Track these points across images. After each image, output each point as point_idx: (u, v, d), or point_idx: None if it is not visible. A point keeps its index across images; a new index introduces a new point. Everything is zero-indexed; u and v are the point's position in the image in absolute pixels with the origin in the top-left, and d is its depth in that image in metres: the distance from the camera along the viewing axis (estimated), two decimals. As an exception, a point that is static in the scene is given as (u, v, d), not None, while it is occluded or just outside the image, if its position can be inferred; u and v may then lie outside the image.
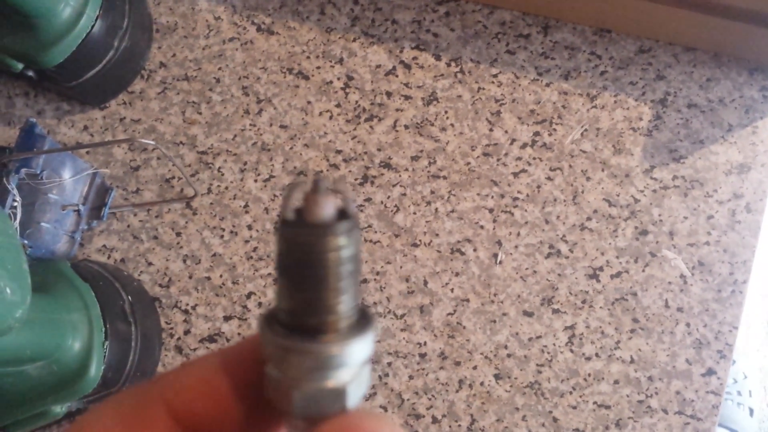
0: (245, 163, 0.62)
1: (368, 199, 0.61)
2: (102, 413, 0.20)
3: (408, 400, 0.58)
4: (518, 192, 0.60)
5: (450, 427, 0.57)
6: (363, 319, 0.18)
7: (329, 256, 0.17)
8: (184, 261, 0.61)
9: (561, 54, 0.62)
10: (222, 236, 0.61)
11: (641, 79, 0.61)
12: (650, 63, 0.61)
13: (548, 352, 0.58)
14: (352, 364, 0.18)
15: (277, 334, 0.17)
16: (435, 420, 0.57)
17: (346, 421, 0.18)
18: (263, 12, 0.65)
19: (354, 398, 0.18)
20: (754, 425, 1.20)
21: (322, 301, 0.17)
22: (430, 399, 0.58)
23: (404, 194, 0.61)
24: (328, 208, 0.17)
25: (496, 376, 0.58)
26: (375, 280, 0.60)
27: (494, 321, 0.58)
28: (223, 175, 0.62)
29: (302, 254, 0.17)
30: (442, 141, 0.62)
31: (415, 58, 0.63)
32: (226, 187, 0.62)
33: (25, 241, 0.55)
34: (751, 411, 1.21)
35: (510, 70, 0.62)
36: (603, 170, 0.60)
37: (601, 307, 0.58)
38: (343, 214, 0.17)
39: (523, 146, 0.61)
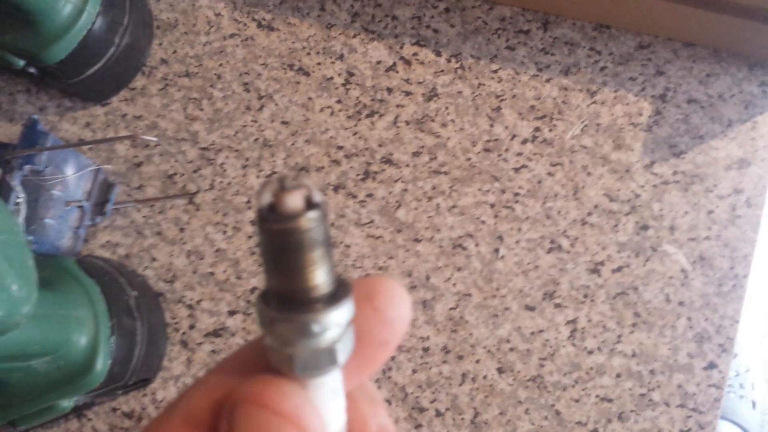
0: (247, 159, 0.63)
1: (370, 195, 0.61)
2: None
3: (411, 393, 0.58)
4: (519, 187, 0.60)
5: (453, 420, 0.57)
6: (341, 288, 0.21)
7: (299, 240, 0.20)
8: (188, 256, 0.61)
9: (561, 50, 0.63)
10: (225, 232, 0.62)
11: (641, 74, 0.62)
12: (650, 59, 0.62)
13: (550, 346, 0.58)
14: (336, 326, 0.20)
15: (269, 307, 0.20)
16: (438, 413, 0.58)
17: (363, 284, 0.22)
18: (264, 8, 0.65)
19: (343, 354, 0.21)
20: (756, 417, 1.21)
21: (301, 277, 0.20)
22: (433, 393, 0.58)
23: (406, 190, 0.61)
24: (295, 200, 0.20)
25: (499, 370, 0.58)
26: (377, 275, 0.60)
27: (496, 315, 0.59)
28: (225, 171, 0.63)
29: (279, 241, 0.20)
30: (443, 137, 0.62)
31: (415, 54, 0.64)
32: (229, 183, 0.62)
33: (30, 238, 0.55)
34: (754, 403, 1.22)
35: (510, 65, 0.63)
36: (603, 165, 0.60)
37: (602, 302, 0.58)
38: (310, 203, 0.20)
39: (524, 142, 0.61)
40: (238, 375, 0.22)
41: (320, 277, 0.20)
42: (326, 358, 0.21)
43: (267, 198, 0.20)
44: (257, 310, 0.21)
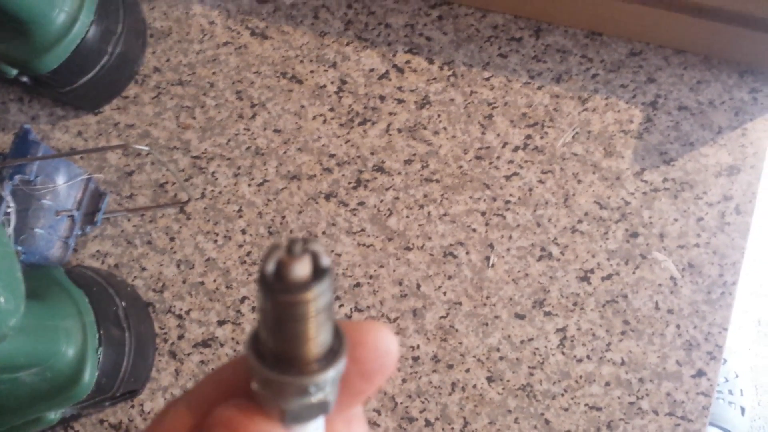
0: (239, 168, 0.63)
1: (361, 203, 0.61)
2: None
3: (401, 403, 0.58)
4: (510, 195, 0.61)
5: (443, 429, 0.58)
6: (336, 341, 0.21)
7: (305, 311, 0.19)
8: (178, 266, 0.62)
9: (553, 57, 0.63)
10: (216, 241, 0.62)
11: (632, 81, 0.62)
12: (641, 66, 0.62)
13: (540, 355, 0.58)
14: (330, 383, 0.20)
15: (263, 365, 0.20)
16: (428, 423, 0.58)
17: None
18: (257, 17, 0.66)
19: (333, 405, 0.21)
20: (745, 424, 1.21)
21: (303, 345, 0.20)
22: (423, 402, 0.58)
23: (397, 198, 0.61)
24: (302, 269, 0.19)
25: (489, 379, 0.58)
26: (368, 283, 0.60)
27: (486, 324, 0.59)
28: (216, 179, 0.63)
29: (284, 311, 0.19)
30: (435, 144, 0.62)
31: (408, 61, 0.64)
32: (220, 192, 0.62)
33: (19, 248, 0.55)
34: (743, 410, 1.21)
35: (502, 73, 0.63)
36: (594, 173, 0.60)
37: (592, 310, 0.58)
38: (317, 269, 0.19)
39: (515, 149, 0.61)
40: (217, 397, 0.23)
41: (321, 343, 0.20)
42: (317, 411, 0.21)
43: (273, 265, 0.19)
44: (250, 362, 0.20)
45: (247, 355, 0.20)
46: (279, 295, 0.19)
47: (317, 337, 0.20)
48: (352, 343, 0.21)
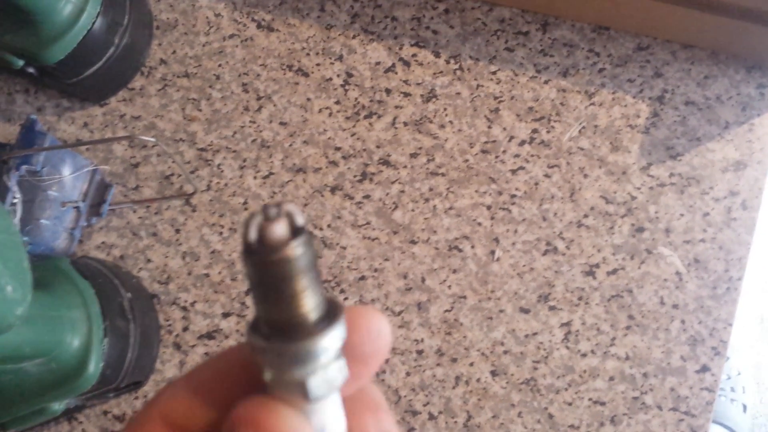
0: (245, 160, 0.63)
1: (367, 196, 0.61)
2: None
3: (405, 396, 0.58)
4: (516, 189, 0.60)
5: (446, 423, 0.58)
6: (331, 307, 0.21)
7: (291, 268, 0.20)
8: (183, 258, 0.62)
9: (560, 51, 0.63)
10: (221, 233, 0.62)
11: (639, 76, 0.61)
12: (648, 60, 0.62)
13: (544, 349, 0.58)
14: (334, 348, 0.21)
15: (267, 341, 0.20)
16: (431, 417, 0.58)
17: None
18: (263, 9, 0.65)
19: (342, 374, 0.21)
20: (747, 421, 1.21)
21: (294, 305, 0.20)
22: (426, 396, 0.58)
23: (403, 191, 0.61)
24: (279, 230, 0.20)
25: (493, 373, 0.58)
26: (373, 277, 0.60)
27: (491, 318, 0.59)
28: (222, 171, 0.63)
29: (269, 272, 0.20)
30: (441, 138, 0.62)
31: (414, 55, 0.64)
32: (226, 184, 0.63)
33: (25, 238, 0.55)
34: (745, 407, 1.21)
35: (509, 67, 0.63)
36: (600, 167, 0.60)
37: (597, 304, 0.58)
38: (295, 230, 0.20)
39: (522, 143, 0.61)
40: (218, 382, 0.23)
41: (313, 302, 0.20)
42: (327, 381, 0.21)
43: (254, 232, 0.20)
44: (250, 342, 0.21)
45: (250, 340, 0.21)
46: (264, 257, 0.20)
47: (310, 298, 0.20)
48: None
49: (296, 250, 0.20)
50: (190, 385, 0.23)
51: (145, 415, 0.23)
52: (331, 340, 0.20)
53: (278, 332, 0.20)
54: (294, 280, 0.20)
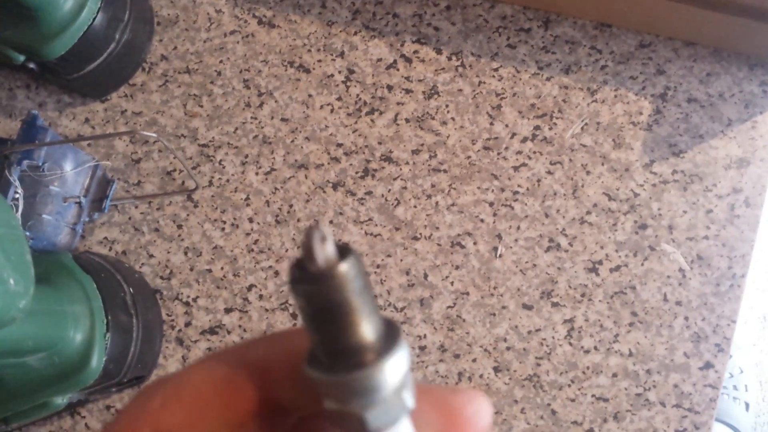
0: (246, 156, 0.63)
1: (369, 193, 0.61)
2: (196, 373, 0.21)
3: (408, 392, 0.58)
4: (518, 186, 0.60)
5: (449, 419, 0.57)
6: (389, 329, 0.20)
7: (348, 289, 0.19)
8: (185, 253, 0.61)
9: (562, 48, 0.63)
10: (223, 229, 0.62)
11: (641, 73, 0.61)
12: (650, 57, 0.62)
13: (547, 345, 0.58)
14: (399, 373, 0.19)
15: (323, 371, 0.19)
16: (434, 412, 0.58)
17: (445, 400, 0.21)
18: (264, 5, 0.65)
19: (411, 398, 0.20)
20: (749, 419, 1.21)
21: (349, 331, 0.19)
22: (429, 391, 0.58)
23: (405, 188, 0.61)
24: (330, 251, 0.18)
25: (495, 369, 0.58)
26: (375, 273, 0.60)
27: (494, 314, 0.59)
28: (224, 167, 0.63)
29: (320, 298, 0.19)
30: (443, 135, 0.62)
31: (416, 51, 0.64)
32: (227, 180, 0.62)
33: (27, 233, 0.55)
34: (747, 405, 1.21)
35: (511, 64, 0.63)
36: (603, 164, 0.60)
37: (600, 301, 0.58)
38: (342, 251, 0.19)
39: (524, 140, 0.61)
40: (262, 358, 0.21)
41: (371, 325, 0.19)
42: (388, 413, 0.19)
43: (309, 258, 0.18)
44: (310, 377, 0.20)
45: (308, 374, 0.20)
46: (310, 286, 0.18)
47: (367, 322, 0.19)
48: (442, 411, 0.20)
49: (351, 270, 0.18)
50: (230, 361, 0.21)
51: (133, 425, 0.21)
52: (391, 371, 0.19)
53: (336, 362, 0.19)
54: (350, 304, 0.19)
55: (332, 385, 0.19)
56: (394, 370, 0.19)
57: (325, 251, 0.18)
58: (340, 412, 0.20)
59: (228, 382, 0.21)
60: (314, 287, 0.18)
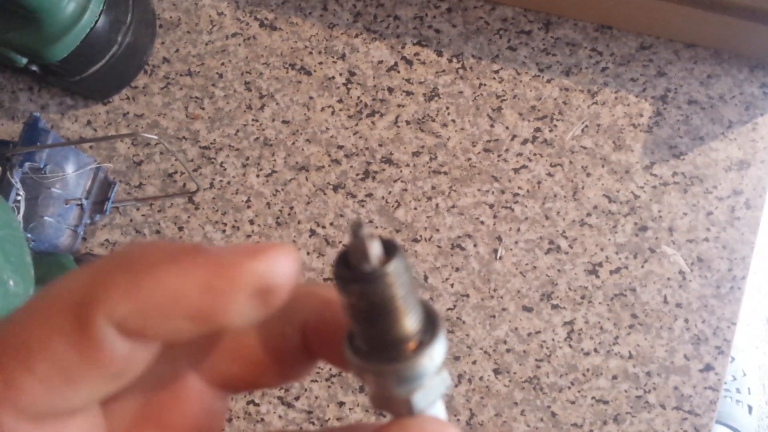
0: (247, 158, 0.63)
1: (369, 195, 0.61)
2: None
3: (408, 394, 0.58)
4: (519, 188, 0.60)
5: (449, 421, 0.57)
6: (430, 319, 0.20)
7: (391, 294, 0.19)
8: (186, 255, 0.62)
9: (562, 50, 0.63)
10: (224, 231, 0.62)
11: (642, 75, 0.61)
12: (651, 59, 0.62)
13: (547, 347, 0.58)
14: (436, 363, 0.20)
15: (368, 360, 0.20)
16: (434, 414, 0.58)
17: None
18: (266, 8, 0.66)
19: (448, 375, 0.21)
20: (753, 422, 1.21)
21: (394, 326, 0.19)
22: (429, 393, 0.58)
23: (405, 190, 0.61)
24: (377, 249, 0.19)
25: (495, 371, 0.58)
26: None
27: (494, 316, 0.59)
28: (225, 169, 0.63)
29: (367, 300, 0.19)
30: (444, 137, 0.62)
31: (416, 54, 0.64)
32: (228, 182, 0.63)
33: (29, 235, 0.55)
34: (750, 408, 1.21)
35: (511, 66, 0.63)
36: (603, 166, 0.60)
37: (600, 303, 0.58)
38: (388, 248, 0.19)
39: (524, 142, 0.61)
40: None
41: (414, 318, 0.20)
42: (431, 394, 0.20)
43: (360, 258, 0.18)
44: (349, 359, 0.20)
45: (349, 358, 0.20)
46: (358, 284, 0.19)
47: (411, 315, 0.19)
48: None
49: (400, 267, 0.19)
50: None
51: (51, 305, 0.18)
52: (433, 358, 0.20)
53: (378, 350, 0.20)
54: (397, 300, 0.19)
55: (378, 373, 0.20)
56: (436, 356, 0.20)
57: (376, 250, 0.19)
58: (383, 396, 0.20)
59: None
60: (366, 286, 0.19)
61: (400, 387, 0.20)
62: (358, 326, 0.20)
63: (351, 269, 0.19)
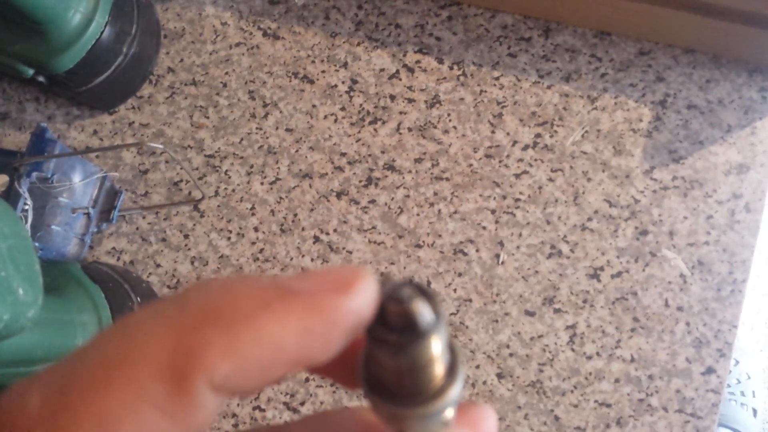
0: (252, 166, 0.64)
1: (372, 201, 0.62)
2: None
3: (412, 398, 0.59)
4: (520, 193, 0.61)
5: (453, 424, 0.58)
6: (453, 361, 0.20)
7: (438, 345, 0.18)
8: (192, 263, 0.62)
9: (562, 57, 0.63)
10: (229, 238, 0.62)
11: (641, 80, 0.62)
12: (650, 65, 0.62)
13: (550, 351, 0.58)
14: (455, 400, 0.20)
15: (399, 405, 0.19)
16: (438, 418, 0.58)
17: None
18: (269, 17, 0.66)
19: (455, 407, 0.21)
20: (757, 426, 1.21)
21: (427, 377, 0.19)
22: (433, 397, 0.58)
23: (408, 196, 0.62)
24: (422, 317, 0.18)
25: (499, 375, 0.58)
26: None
27: (496, 321, 0.59)
28: (230, 177, 0.63)
29: (418, 356, 0.18)
30: (445, 143, 0.62)
31: (418, 61, 0.64)
32: (233, 190, 0.63)
33: (36, 244, 0.56)
34: (755, 411, 1.21)
35: (511, 72, 0.63)
36: (603, 171, 0.61)
37: (601, 307, 0.59)
38: (428, 303, 0.19)
39: (525, 148, 0.62)
40: None
41: (446, 361, 0.19)
42: (445, 419, 0.20)
43: (397, 319, 0.18)
44: (370, 400, 0.20)
45: (372, 399, 0.20)
46: (404, 346, 0.18)
47: (442, 361, 0.19)
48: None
49: (442, 324, 0.18)
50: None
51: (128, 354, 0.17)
52: (454, 396, 0.19)
53: (404, 395, 0.19)
54: (437, 359, 0.19)
55: (398, 414, 0.19)
56: (453, 397, 0.19)
57: (424, 316, 0.18)
58: (399, 427, 0.20)
59: None
60: (413, 349, 0.18)
61: (415, 425, 0.19)
62: (389, 377, 0.19)
63: (390, 330, 0.18)
